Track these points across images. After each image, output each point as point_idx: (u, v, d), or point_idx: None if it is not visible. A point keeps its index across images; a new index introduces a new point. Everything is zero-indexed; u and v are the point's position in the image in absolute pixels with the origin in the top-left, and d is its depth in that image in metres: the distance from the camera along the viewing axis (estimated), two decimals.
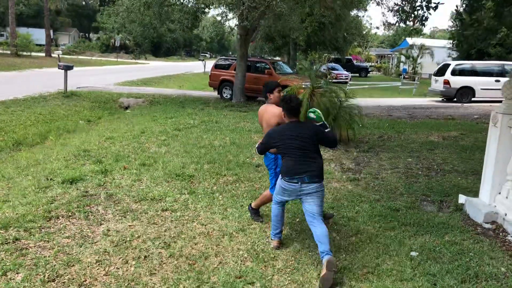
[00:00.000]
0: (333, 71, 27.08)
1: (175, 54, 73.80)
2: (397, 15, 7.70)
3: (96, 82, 20.05)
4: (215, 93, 18.46)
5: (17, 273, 3.67)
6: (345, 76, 27.89)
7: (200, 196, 5.74)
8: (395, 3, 7.83)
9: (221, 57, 19.47)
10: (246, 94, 15.99)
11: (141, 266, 3.90)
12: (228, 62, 17.71)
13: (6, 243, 4.18)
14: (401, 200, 5.86)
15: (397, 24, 7.40)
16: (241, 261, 4.06)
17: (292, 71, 17.82)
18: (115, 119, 12.73)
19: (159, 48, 64.82)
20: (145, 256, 4.06)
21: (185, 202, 5.52)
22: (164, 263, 3.98)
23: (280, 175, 4.24)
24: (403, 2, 7.30)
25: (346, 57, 37.19)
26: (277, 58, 29.68)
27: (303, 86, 11.10)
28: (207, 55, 76.50)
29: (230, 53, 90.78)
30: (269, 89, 4.83)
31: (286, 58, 30.41)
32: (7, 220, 4.63)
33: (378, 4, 16.32)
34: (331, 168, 7.28)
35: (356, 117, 8.86)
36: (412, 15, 7.39)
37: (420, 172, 7.23)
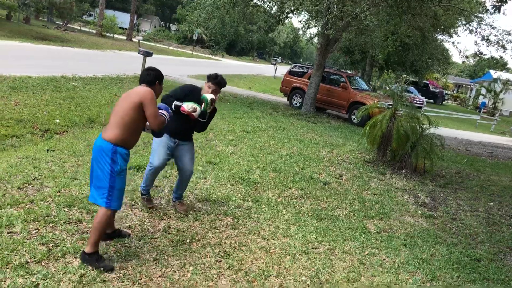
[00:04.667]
0: (407, 94, 25.97)
1: (248, 55, 74.58)
2: None
3: (170, 72, 20.43)
4: (284, 99, 18.23)
5: (75, 258, 3.56)
6: (420, 101, 26.66)
7: (263, 206, 5.48)
8: None
9: (296, 64, 19.18)
10: (316, 105, 15.61)
11: (198, 273, 3.68)
12: (302, 70, 17.38)
13: (69, 223, 4.12)
14: (482, 249, 5.27)
15: None
16: None
17: (368, 88, 17.19)
18: None
19: (233, 47, 65.78)
20: (204, 264, 3.84)
21: (248, 210, 5.28)
22: (222, 275, 3.73)
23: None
24: None
25: (424, 81, 35.74)
26: (349, 71, 28.96)
27: (380, 105, 10.61)
28: (278, 59, 76.62)
29: (301, 60, 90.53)
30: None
31: (360, 73, 29.64)
32: (73, 199, 4.60)
33: (471, 32, 15.35)
34: (405, 200, 6.75)
35: (437, 148, 8.24)
36: None
37: (503, 220, 6.53)
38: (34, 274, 3.24)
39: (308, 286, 3.78)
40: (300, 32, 18.23)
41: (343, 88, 15.21)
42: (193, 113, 4.28)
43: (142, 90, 3.51)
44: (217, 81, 4.49)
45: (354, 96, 14.79)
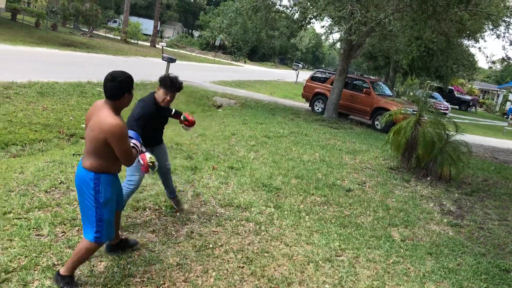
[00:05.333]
0: (431, 100, 25.53)
1: (269, 60, 74.65)
2: None
3: (193, 78, 20.61)
4: (306, 105, 18.17)
5: (100, 261, 3.62)
6: (444, 107, 26.20)
7: (286, 212, 5.45)
8: None
9: (319, 70, 19.12)
10: (339, 110, 15.50)
11: (221, 279, 3.68)
12: (325, 76, 17.30)
13: None
14: (511, 259, 5.12)
15: None
16: None
17: (391, 94, 16.99)
18: (207, 117, 12.89)
19: (255, 53, 65.99)
20: (226, 269, 3.84)
21: (270, 216, 5.26)
22: (245, 281, 3.72)
23: None
24: None
25: (448, 87, 35.15)
26: (372, 77, 28.74)
27: (404, 111, 10.47)
28: (300, 65, 76.42)
29: (323, 66, 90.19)
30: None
31: (383, 79, 29.35)
32: None
33: (498, 37, 15.03)
34: (430, 208, 6.63)
35: (463, 155, 8.07)
36: None
37: None
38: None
39: None
40: (323, 37, 18.20)
41: (366, 93, 15.07)
42: (149, 168, 3.54)
43: (106, 126, 2.89)
44: (176, 88, 4.10)
45: (378, 102, 14.64)
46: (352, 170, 8.08)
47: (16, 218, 4.07)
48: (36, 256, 3.48)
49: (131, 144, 3.19)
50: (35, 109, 9.24)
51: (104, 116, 2.93)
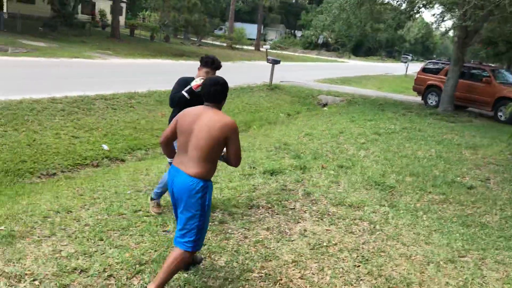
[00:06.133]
0: None
1: (375, 54, 72.16)
2: None
3: (297, 77, 20.76)
4: (418, 98, 17.27)
5: (221, 256, 3.81)
6: None
7: (401, 211, 5.24)
8: None
9: (431, 61, 18.07)
10: (455, 102, 14.46)
11: (336, 277, 3.66)
12: (437, 66, 16.30)
13: (213, 224, 4.41)
14: None
15: None
16: None
17: None
18: (313, 116, 12.90)
19: (359, 47, 64.31)
20: (342, 268, 3.81)
21: (385, 215, 5.09)
22: (361, 280, 3.66)
23: None
24: None
25: None
26: (491, 64, 26.24)
27: None
28: (408, 57, 72.73)
29: (435, 56, 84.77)
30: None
31: (505, 66, 26.69)
32: (215, 201, 4.91)
33: None
34: None
35: None
36: None
37: None
38: (188, 270, 3.53)
39: None
40: (433, 26, 17.14)
41: (486, 83, 13.87)
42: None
43: (227, 125, 2.98)
44: (215, 66, 4.27)
45: (501, 91, 13.40)
46: (473, 166, 7.50)
47: (145, 216, 4.48)
48: (164, 251, 3.78)
49: None
50: (155, 116, 10.05)
51: (220, 117, 3.01)
